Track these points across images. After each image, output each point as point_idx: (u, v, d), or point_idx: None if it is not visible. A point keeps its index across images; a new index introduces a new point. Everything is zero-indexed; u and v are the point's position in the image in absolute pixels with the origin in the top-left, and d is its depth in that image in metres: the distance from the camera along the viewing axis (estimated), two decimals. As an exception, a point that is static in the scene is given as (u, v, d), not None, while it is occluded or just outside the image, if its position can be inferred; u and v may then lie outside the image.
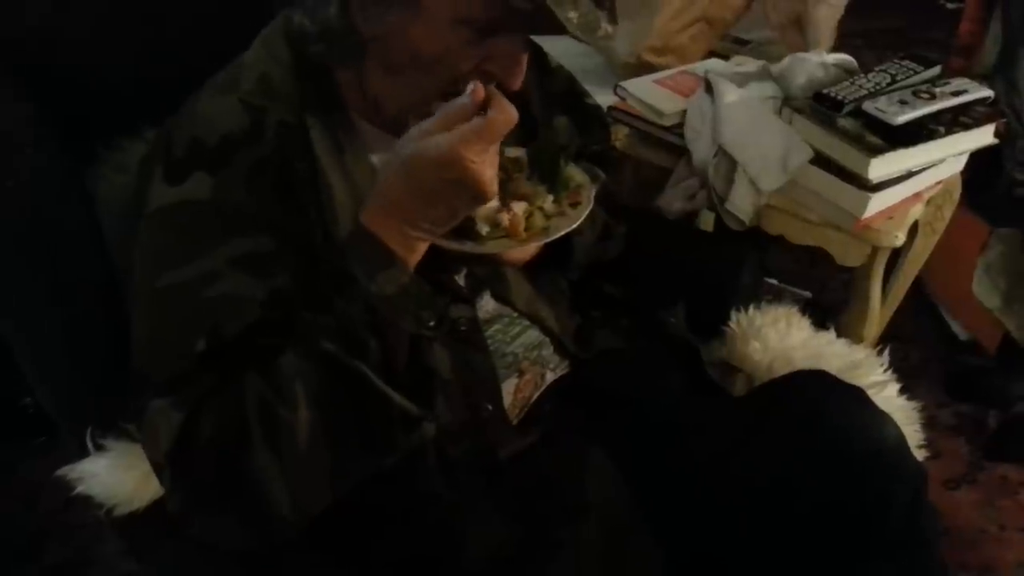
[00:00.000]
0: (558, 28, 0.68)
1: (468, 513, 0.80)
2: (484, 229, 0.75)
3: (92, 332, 0.84)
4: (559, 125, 1.03)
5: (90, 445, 0.86)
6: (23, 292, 0.83)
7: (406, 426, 0.73)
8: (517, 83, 0.75)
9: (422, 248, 0.73)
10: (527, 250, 0.85)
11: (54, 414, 0.91)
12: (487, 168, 0.68)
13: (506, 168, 0.80)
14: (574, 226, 0.76)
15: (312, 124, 0.78)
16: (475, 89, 0.68)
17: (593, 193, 0.80)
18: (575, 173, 0.82)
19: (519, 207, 0.76)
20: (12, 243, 0.80)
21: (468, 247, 0.75)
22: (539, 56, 1.02)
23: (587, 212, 0.78)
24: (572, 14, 0.68)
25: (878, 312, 1.35)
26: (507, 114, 0.67)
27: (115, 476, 0.85)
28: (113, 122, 0.90)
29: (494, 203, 0.74)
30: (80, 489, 0.87)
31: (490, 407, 0.86)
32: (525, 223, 0.76)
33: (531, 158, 0.81)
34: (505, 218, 0.75)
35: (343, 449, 0.71)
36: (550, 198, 0.79)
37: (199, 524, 0.72)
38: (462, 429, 0.82)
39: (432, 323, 0.73)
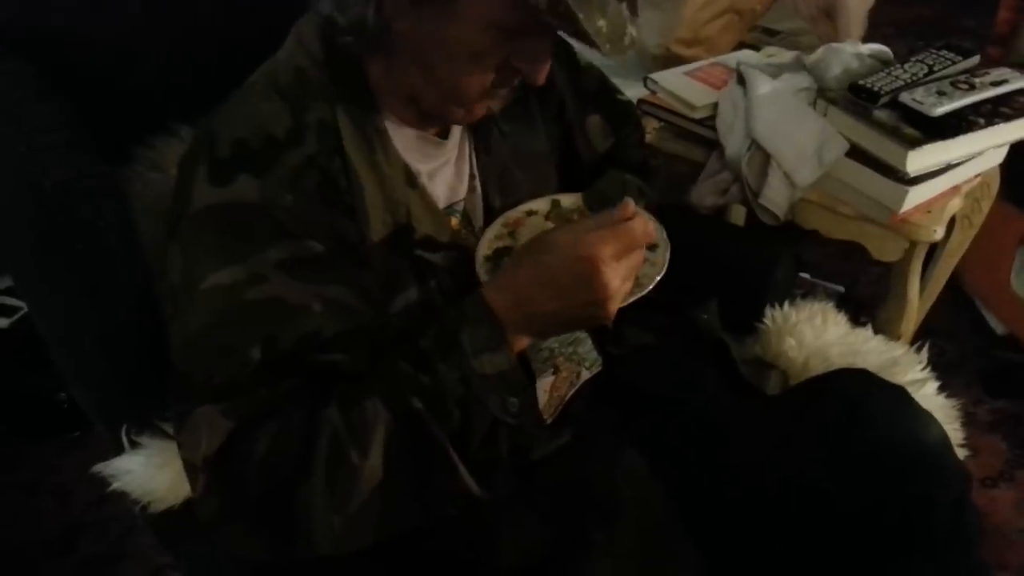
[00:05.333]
0: (583, 37, 0.68)
1: (501, 513, 0.79)
2: None
3: (127, 331, 0.84)
4: (592, 124, 1.02)
5: (125, 442, 0.87)
6: (58, 292, 0.83)
7: (464, 500, 0.73)
8: (541, 80, 0.76)
9: (527, 342, 0.74)
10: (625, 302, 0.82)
11: (89, 412, 0.91)
12: (616, 279, 0.69)
13: (569, 219, 0.81)
14: (664, 272, 0.76)
15: (343, 122, 0.77)
16: (625, 205, 0.72)
17: (665, 233, 0.80)
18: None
19: None
20: (48, 242, 0.80)
21: None
22: (570, 55, 1.01)
23: (668, 252, 0.77)
24: (601, 23, 0.68)
25: (916, 308, 1.32)
26: (647, 227, 0.72)
27: (150, 473, 0.86)
28: (146, 122, 0.90)
29: None
30: (115, 486, 0.88)
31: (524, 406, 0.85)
32: None
33: (589, 203, 0.80)
34: None
35: (398, 505, 0.71)
36: None
37: (230, 534, 0.71)
38: (494, 429, 0.81)
39: (515, 411, 0.73)
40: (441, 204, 0.85)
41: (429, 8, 0.71)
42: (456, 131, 0.88)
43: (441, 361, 0.70)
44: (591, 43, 0.68)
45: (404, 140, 0.82)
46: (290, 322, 0.71)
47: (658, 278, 0.75)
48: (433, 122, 0.84)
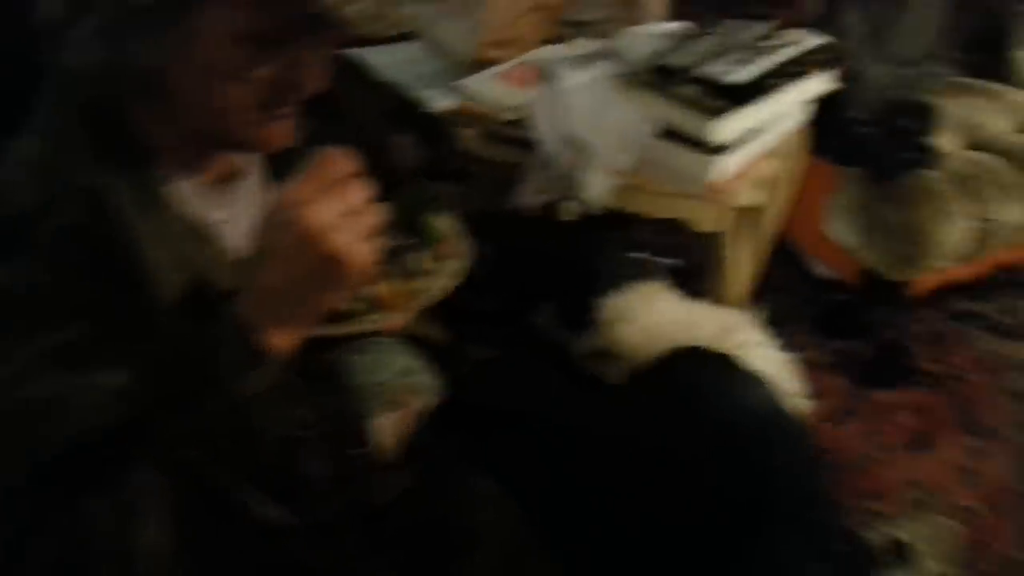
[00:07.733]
0: (346, 26, 0.65)
1: (354, 567, 0.76)
2: (357, 306, 0.70)
3: None
4: (397, 142, 0.99)
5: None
6: None
7: (267, 533, 0.68)
8: (320, 85, 0.71)
9: (295, 340, 0.67)
10: (407, 317, 0.79)
11: None
12: (321, 214, 0.61)
13: None
14: (453, 285, 0.73)
15: (111, 184, 0.70)
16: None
17: (464, 244, 0.76)
18: (440, 222, 0.78)
19: None
20: None
21: (344, 329, 0.70)
22: (362, 75, 0.98)
23: (462, 267, 0.74)
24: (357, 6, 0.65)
25: (746, 271, 1.38)
26: (332, 154, 0.63)
27: None
28: None
29: None
30: None
31: (359, 452, 0.81)
32: (394, 287, 0.71)
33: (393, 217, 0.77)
34: (377, 291, 0.70)
35: (195, 566, 0.65)
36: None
37: None
38: (330, 485, 0.77)
39: (309, 424, 0.68)
40: (244, 251, 0.79)
41: (171, 37, 0.65)
42: (254, 170, 0.83)
43: (196, 398, 0.64)
44: (350, 28, 0.65)
45: (189, 190, 0.76)
46: (65, 418, 0.65)
47: (441, 294, 0.72)
48: (220, 163, 0.78)
